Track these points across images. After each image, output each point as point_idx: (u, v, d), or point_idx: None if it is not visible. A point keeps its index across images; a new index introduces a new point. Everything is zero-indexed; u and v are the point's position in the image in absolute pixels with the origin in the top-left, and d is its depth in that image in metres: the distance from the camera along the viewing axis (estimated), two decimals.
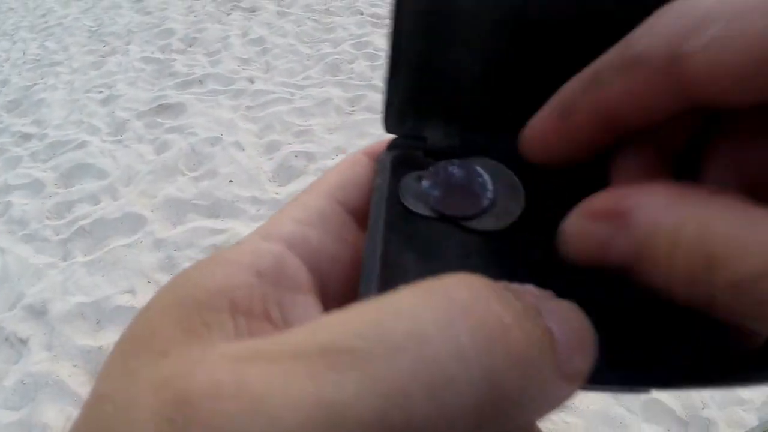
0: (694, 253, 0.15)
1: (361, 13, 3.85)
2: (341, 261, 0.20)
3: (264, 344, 0.14)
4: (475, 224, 0.21)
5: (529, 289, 0.16)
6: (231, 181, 2.27)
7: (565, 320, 0.15)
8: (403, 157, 0.23)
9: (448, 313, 0.13)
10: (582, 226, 0.18)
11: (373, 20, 3.72)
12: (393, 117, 0.24)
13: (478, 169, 0.22)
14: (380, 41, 3.36)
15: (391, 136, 0.24)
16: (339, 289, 0.20)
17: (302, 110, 2.72)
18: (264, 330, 0.16)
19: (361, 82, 2.92)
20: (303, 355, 0.13)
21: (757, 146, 0.18)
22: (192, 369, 0.13)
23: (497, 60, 0.22)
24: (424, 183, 0.22)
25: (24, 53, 3.95)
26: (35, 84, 3.44)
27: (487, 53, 0.22)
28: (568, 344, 0.15)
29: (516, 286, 0.16)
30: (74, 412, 1.49)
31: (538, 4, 0.20)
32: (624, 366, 0.17)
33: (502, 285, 0.15)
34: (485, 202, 0.21)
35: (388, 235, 0.20)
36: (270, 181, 2.30)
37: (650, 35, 0.17)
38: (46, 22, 4.48)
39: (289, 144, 2.47)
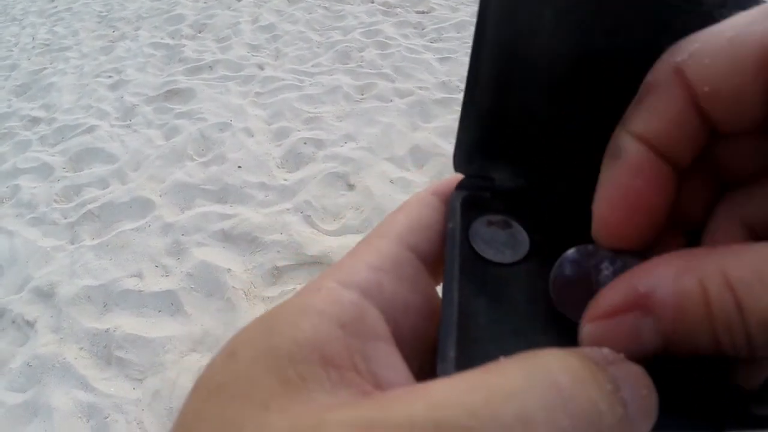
0: (725, 304, 0.16)
1: (372, 2, 3.82)
2: (413, 308, 0.21)
3: (378, 414, 0.14)
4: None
5: (606, 354, 0.17)
6: (239, 166, 2.25)
7: (636, 389, 0.16)
8: (472, 199, 0.24)
9: (553, 399, 0.14)
10: (604, 328, 0.18)
11: (384, 9, 3.69)
12: (462, 156, 0.24)
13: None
14: (390, 30, 3.33)
15: (459, 175, 0.25)
16: (411, 335, 0.21)
17: (312, 97, 2.70)
18: (353, 381, 0.17)
19: (371, 70, 2.90)
20: (419, 430, 0.14)
21: (760, 198, 0.20)
22: None
23: (566, 104, 0.23)
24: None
25: (33, 38, 3.94)
26: (44, 69, 3.44)
27: (557, 98, 0.23)
28: (638, 413, 0.16)
29: (595, 354, 0.17)
30: (79, 395, 1.49)
31: (612, 51, 0.21)
32: (671, 410, 0.18)
33: (591, 362, 0.16)
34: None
35: (461, 281, 0.21)
36: (278, 167, 2.28)
37: (654, 68, 0.20)
38: (55, 7, 4.48)
39: (298, 131, 2.46)
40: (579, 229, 0.21)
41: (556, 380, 0.15)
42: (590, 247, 0.21)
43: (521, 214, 0.23)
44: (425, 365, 0.21)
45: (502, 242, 0.23)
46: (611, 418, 0.15)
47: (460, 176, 0.25)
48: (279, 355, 0.16)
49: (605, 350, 0.17)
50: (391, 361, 0.18)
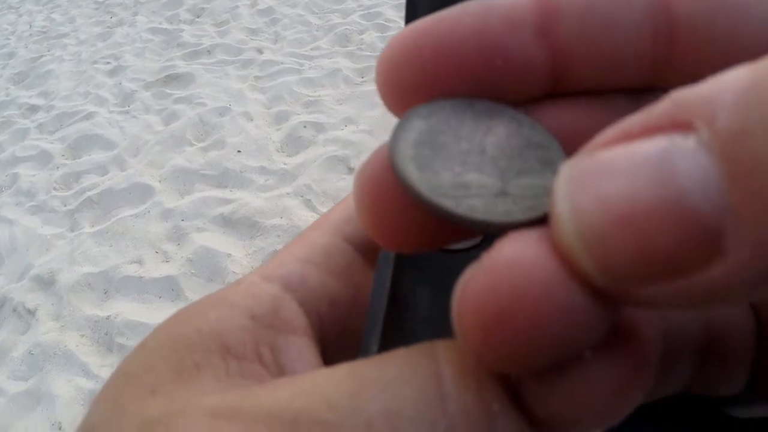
0: None
1: None
2: (342, 301, 0.20)
3: (244, 401, 0.14)
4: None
5: None
6: (239, 151, 2.24)
7: None
8: None
9: (430, 394, 0.12)
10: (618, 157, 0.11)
11: None
12: None
13: None
14: (391, 12, 3.30)
15: None
16: (339, 329, 0.19)
17: (311, 81, 2.68)
18: (255, 372, 0.16)
19: (371, 53, 2.87)
20: (277, 420, 0.13)
21: None
22: (174, 419, 0.14)
23: None
24: None
25: (30, 26, 3.91)
26: (42, 56, 3.42)
27: None
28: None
29: None
30: (81, 382, 1.49)
31: None
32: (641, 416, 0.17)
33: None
34: None
35: (401, 270, 0.19)
36: (278, 151, 2.26)
37: None
38: None
39: (298, 114, 2.44)
40: None
41: (437, 372, 0.13)
42: None
43: None
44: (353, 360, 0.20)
45: None
46: (509, 426, 0.12)
47: None
48: (179, 343, 0.16)
49: None
50: (303, 354, 0.17)
